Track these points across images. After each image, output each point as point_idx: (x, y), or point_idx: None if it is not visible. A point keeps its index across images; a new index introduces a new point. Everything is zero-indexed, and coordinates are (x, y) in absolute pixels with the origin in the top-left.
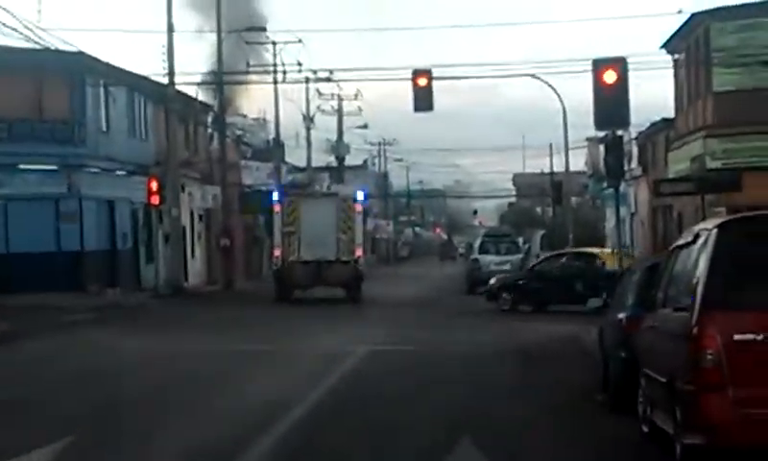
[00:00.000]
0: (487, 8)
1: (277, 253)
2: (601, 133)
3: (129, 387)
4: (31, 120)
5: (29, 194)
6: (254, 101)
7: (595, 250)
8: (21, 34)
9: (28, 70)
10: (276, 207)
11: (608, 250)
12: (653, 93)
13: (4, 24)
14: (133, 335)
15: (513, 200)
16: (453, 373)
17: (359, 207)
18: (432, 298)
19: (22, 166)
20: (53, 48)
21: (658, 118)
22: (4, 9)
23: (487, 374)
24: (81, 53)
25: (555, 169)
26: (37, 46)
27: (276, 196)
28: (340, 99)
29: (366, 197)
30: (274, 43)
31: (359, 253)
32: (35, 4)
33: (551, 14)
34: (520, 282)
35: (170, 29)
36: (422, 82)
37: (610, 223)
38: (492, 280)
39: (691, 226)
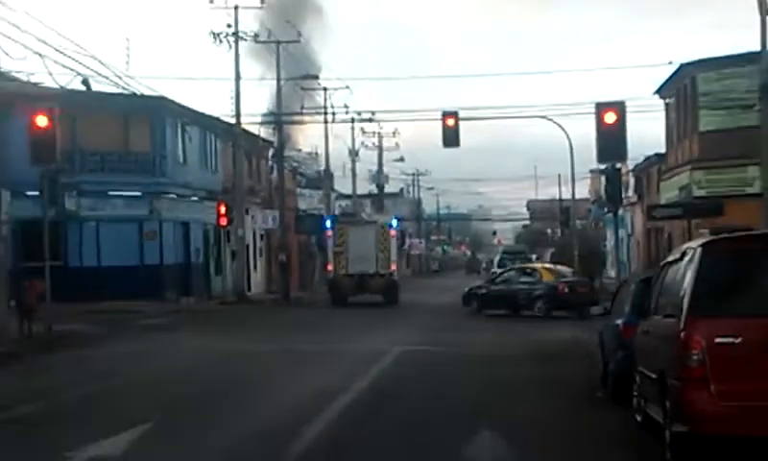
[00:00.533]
0: (506, 58)
1: (330, 267)
2: (602, 166)
3: (199, 382)
4: (119, 153)
5: (117, 216)
6: (308, 137)
7: (537, 265)
8: (112, 81)
9: (117, 112)
10: (329, 233)
11: (548, 265)
12: (647, 132)
13: (98, 73)
14: (203, 336)
15: (527, 222)
16: (474, 370)
17: (393, 232)
18: (457, 304)
19: (111, 193)
20: (138, 93)
21: (651, 153)
22: (98, 60)
23: (502, 371)
24: (162, 97)
25: (563, 196)
26: (125, 91)
27: (329, 224)
28: (380, 136)
29: (399, 223)
30: (325, 89)
31: (394, 267)
32: (123, 55)
33: (560, 64)
34: (483, 291)
35: (237, 77)
36: (450, 122)
37: (610, 242)
38: (466, 289)
39: (679, 245)
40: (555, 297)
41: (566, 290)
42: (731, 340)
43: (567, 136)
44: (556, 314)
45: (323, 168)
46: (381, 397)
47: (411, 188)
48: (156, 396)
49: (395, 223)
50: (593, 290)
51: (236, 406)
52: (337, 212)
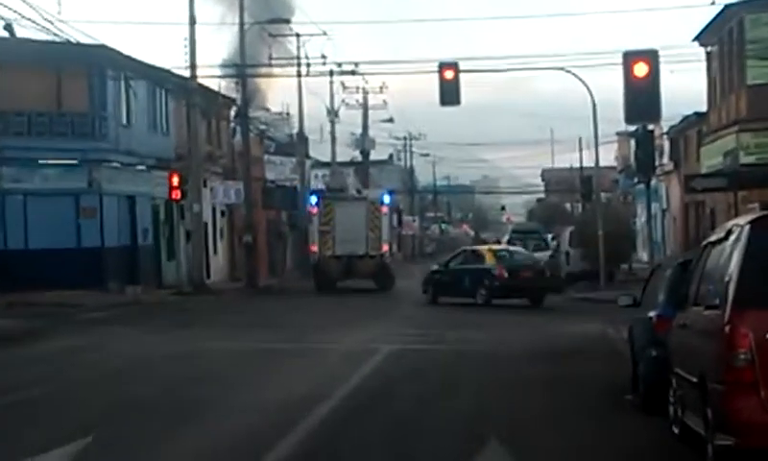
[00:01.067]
0: None
1: (314, 249)
2: (632, 128)
3: (146, 386)
4: (50, 114)
5: (48, 189)
6: (279, 94)
7: (483, 247)
8: (41, 26)
9: (47, 63)
10: (314, 210)
11: (494, 247)
12: (685, 86)
13: (23, 16)
14: (153, 332)
15: (541, 195)
16: (482, 367)
17: (385, 209)
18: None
19: (41, 161)
20: (73, 41)
21: (690, 112)
22: (24, 0)
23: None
24: (101, 46)
25: (584, 164)
26: (57, 39)
27: (314, 200)
28: (365, 92)
29: (392, 198)
30: (298, 35)
31: (385, 248)
32: None
33: (580, 5)
34: (437, 277)
35: (192, 21)
36: (449, 75)
37: (641, 219)
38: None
39: (724, 222)
40: (493, 283)
41: (505, 275)
42: None
43: (590, 92)
44: (508, 303)
45: (295, 131)
46: (364, 412)
47: (402, 155)
48: (98, 403)
49: (387, 198)
50: (546, 274)
51: (192, 416)
52: (314, 184)
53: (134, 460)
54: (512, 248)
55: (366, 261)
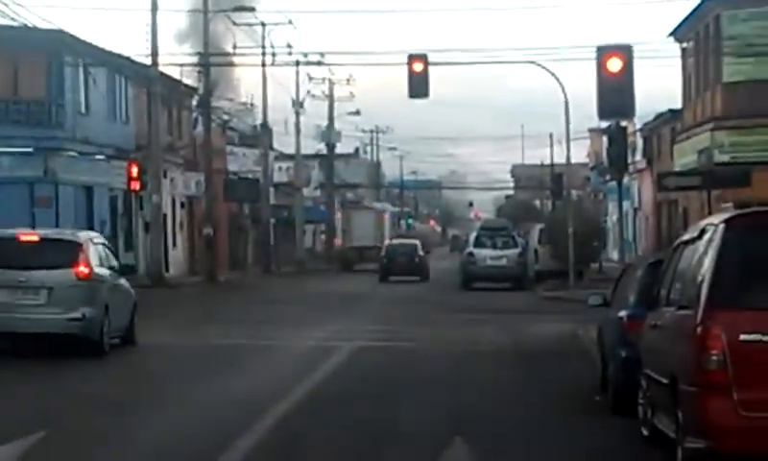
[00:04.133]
0: None
1: (338, 242)
2: (604, 124)
3: (95, 382)
4: (5, 100)
5: (1, 178)
6: (242, 84)
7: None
8: None
9: (3, 48)
10: (338, 214)
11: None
12: (659, 83)
13: None
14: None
15: (511, 192)
16: (448, 371)
17: (386, 217)
18: (426, 295)
19: None
20: (30, 25)
21: (664, 109)
22: None
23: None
24: (59, 31)
25: (555, 160)
26: (13, 22)
27: (339, 208)
28: (331, 83)
29: (391, 212)
30: (263, 24)
31: (387, 242)
32: None
33: None
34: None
35: (154, 7)
36: (418, 67)
37: (612, 217)
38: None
39: (697, 221)
40: (382, 262)
41: (386, 258)
42: (758, 337)
43: (561, 87)
44: (477, 304)
45: (259, 122)
46: (325, 408)
47: (368, 148)
48: (52, 397)
49: (388, 209)
50: (416, 260)
51: (135, 417)
52: (277, 176)
53: (83, 456)
54: (406, 241)
55: (373, 251)
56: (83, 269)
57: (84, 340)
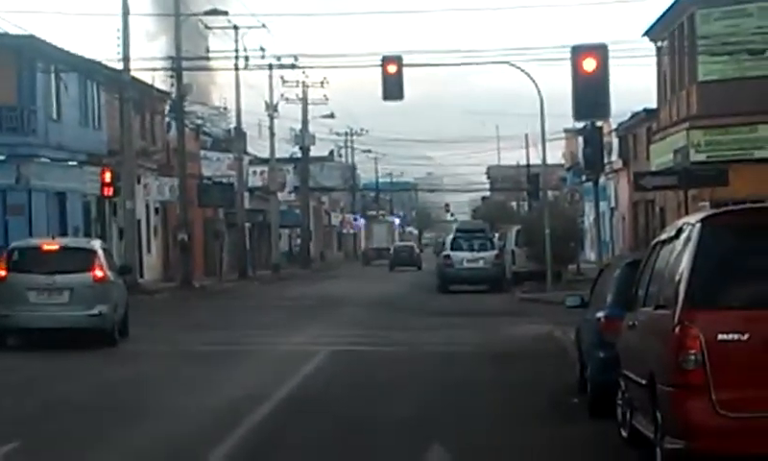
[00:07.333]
0: None
1: (363, 246)
2: (580, 124)
3: (78, 391)
4: None
5: None
6: (216, 88)
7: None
8: None
9: None
10: (362, 224)
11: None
12: (634, 82)
13: None
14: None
15: (487, 194)
16: (424, 373)
17: (395, 226)
18: (397, 298)
19: None
20: (0, 31)
21: (639, 108)
22: None
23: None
24: (30, 36)
25: (531, 161)
26: None
27: (362, 222)
28: (305, 87)
29: (401, 222)
30: (236, 28)
31: (394, 244)
32: None
33: None
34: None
35: (125, 11)
36: (392, 69)
37: (589, 218)
38: None
39: (674, 221)
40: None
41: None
42: (736, 337)
43: (537, 87)
44: (455, 307)
45: (233, 126)
46: (303, 411)
47: (343, 152)
48: (32, 404)
49: (397, 221)
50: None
51: (125, 420)
52: (251, 180)
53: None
54: (406, 243)
55: (385, 251)
56: (98, 272)
57: (101, 332)
